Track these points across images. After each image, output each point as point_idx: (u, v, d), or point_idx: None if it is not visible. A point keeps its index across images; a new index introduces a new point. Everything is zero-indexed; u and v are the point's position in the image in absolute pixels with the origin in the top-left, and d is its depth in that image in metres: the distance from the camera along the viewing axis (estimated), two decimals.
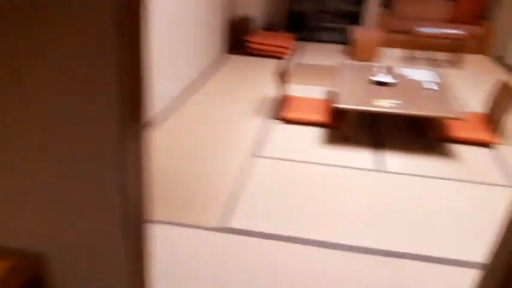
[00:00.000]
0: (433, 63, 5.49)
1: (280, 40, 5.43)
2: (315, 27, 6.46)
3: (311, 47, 6.13)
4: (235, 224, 2.28)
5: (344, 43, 6.22)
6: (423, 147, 3.19)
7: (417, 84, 3.51)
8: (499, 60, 5.73)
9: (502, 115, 3.18)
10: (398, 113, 2.96)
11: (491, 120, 3.36)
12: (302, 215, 2.38)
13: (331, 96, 3.96)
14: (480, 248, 2.17)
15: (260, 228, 2.25)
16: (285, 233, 2.22)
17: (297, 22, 6.61)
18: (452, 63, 5.47)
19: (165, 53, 3.46)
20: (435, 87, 3.40)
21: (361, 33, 5.34)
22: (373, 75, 3.59)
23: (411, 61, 5.53)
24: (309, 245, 2.15)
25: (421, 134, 3.35)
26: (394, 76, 3.65)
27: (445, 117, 2.93)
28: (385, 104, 3.04)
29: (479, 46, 5.89)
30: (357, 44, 5.34)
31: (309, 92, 4.23)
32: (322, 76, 4.79)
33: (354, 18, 6.53)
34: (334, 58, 5.55)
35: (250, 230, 2.23)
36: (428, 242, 2.21)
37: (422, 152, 3.13)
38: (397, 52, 5.95)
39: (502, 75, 5.04)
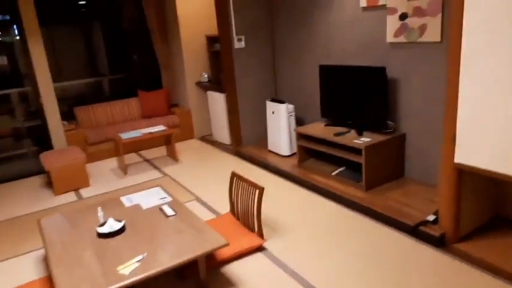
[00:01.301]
0: (150, 163, 5.04)
1: None
2: None
3: None
4: None
5: (39, 172, 4.93)
6: None
7: (152, 214, 2.81)
8: (205, 139, 5.93)
9: (249, 209, 2.91)
10: (150, 276, 2.13)
11: (245, 217, 3.05)
12: None
13: (48, 269, 2.71)
14: None
15: None
16: None
17: None
18: (170, 156, 5.21)
19: None
20: (171, 210, 2.80)
21: (55, 158, 4.27)
22: (95, 224, 2.64)
23: (128, 170, 4.88)
24: None
25: (188, 275, 2.64)
26: (121, 213, 2.83)
27: (209, 252, 2.34)
28: (128, 269, 2.16)
29: (184, 132, 5.93)
30: (54, 172, 4.22)
31: (12, 271, 2.80)
32: (24, 236, 3.40)
33: (39, 138, 5.37)
34: (33, 200, 4.20)
35: None
36: None
37: None
38: (108, 164, 5.19)
39: (216, 153, 5.14)
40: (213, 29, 5.78)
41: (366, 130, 3.69)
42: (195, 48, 5.81)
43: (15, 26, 5.38)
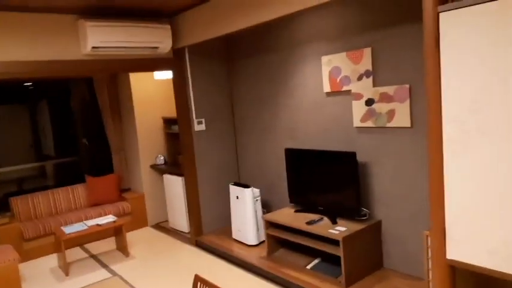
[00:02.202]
0: (97, 260, 4.41)
1: None
2: None
3: None
4: None
5: None
6: None
7: None
8: (160, 227, 5.42)
9: None
10: None
11: None
12: None
13: None
14: None
15: None
16: None
17: None
18: (120, 250, 4.61)
19: None
20: None
21: None
22: None
23: (70, 270, 4.21)
24: None
25: None
26: None
27: None
28: None
29: (136, 219, 5.40)
30: None
31: None
32: None
33: None
34: None
35: None
36: None
37: None
38: (48, 262, 4.48)
39: (172, 244, 4.62)
40: (169, 110, 5.59)
41: (339, 217, 3.47)
42: (151, 130, 5.54)
43: None
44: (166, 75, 5.10)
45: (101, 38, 3.59)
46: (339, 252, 3.07)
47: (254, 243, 4.10)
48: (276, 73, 4.14)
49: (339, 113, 3.53)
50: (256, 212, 4.10)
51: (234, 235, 4.33)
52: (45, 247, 4.69)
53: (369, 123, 3.26)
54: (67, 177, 5.90)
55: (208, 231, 4.67)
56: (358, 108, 3.32)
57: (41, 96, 6.26)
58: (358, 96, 3.30)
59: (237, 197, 4.21)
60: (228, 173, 4.85)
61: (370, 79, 3.20)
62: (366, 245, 3.24)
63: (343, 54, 3.37)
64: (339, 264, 3.35)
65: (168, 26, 4.05)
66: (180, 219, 5.08)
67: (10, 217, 4.73)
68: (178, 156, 5.46)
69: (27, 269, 4.34)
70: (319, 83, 3.66)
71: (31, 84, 5.92)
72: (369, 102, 3.22)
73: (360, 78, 3.28)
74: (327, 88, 3.57)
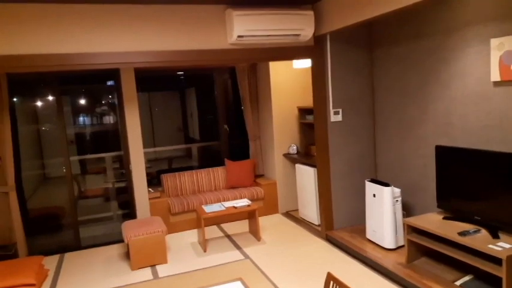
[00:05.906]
0: (232, 240, 4.64)
1: (16, 274, 3.54)
2: (71, 224, 4.85)
3: (73, 260, 4.41)
4: None
5: (122, 240, 4.82)
6: None
7: None
8: (290, 216, 5.44)
9: None
10: None
11: None
12: None
13: None
14: None
15: None
16: None
17: (41, 228, 4.90)
18: (252, 233, 4.78)
19: None
20: None
21: (136, 229, 4.08)
22: None
23: (208, 246, 4.53)
24: None
25: None
26: None
27: None
28: None
29: (268, 205, 5.52)
30: (133, 245, 4.00)
31: None
32: None
33: (126, 203, 5.35)
34: (108, 273, 3.99)
35: None
36: None
37: None
38: (189, 237, 4.91)
39: (302, 235, 4.57)
40: (305, 100, 5.52)
41: (501, 232, 2.91)
42: (286, 119, 5.56)
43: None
44: (306, 63, 5.02)
45: (246, 27, 3.67)
46: (501, 272, 2.57)
47: (391, 247, 3.76)
48: (427, 61, 3.66)
49: (510, 106, 2.93)
50: (395, 213, 3.75)
51: (368, 235, 4.05)
52: (187, 222, 5.14)
53: None
54: (209, 159, 6.36)
55: (339, 227, 4.49)
56: None
57: (190, 85, 6.85)
58: None
59: (374, 195, 3.91)
60: (364, 168, 4.56)
61: None
62: None
63: None
64: (497, 286, 2.82)
65: (311, 12, 3.93)
66: (311, 211, 5.00)
67: (161, 192, 5.31)
68: (310, 147, 5.37)
69: (171, 240, 4.82)
70: (485, 71, 3.09)
71: (182, 74, 6.51)
72: None
73: None
74: (495, 77, 2.99)
